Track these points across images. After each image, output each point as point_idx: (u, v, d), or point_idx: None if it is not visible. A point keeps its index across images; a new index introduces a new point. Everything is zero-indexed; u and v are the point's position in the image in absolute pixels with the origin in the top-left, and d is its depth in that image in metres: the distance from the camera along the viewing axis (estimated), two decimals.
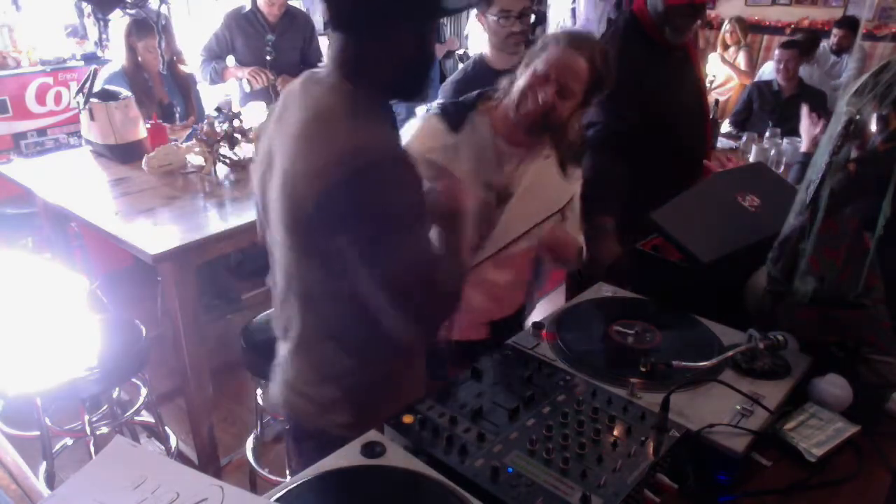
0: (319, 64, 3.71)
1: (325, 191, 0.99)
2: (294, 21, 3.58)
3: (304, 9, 4.44)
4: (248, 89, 3.46)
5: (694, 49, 2.24)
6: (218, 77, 3.50)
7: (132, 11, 2.62)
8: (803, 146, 2.05)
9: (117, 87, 2.95)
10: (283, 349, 1.30)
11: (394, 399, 1.13)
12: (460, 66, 2.59)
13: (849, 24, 5.14)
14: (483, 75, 1.99)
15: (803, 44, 4.31)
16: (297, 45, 3.61)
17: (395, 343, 1.12)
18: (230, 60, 3.55)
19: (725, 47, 5.30)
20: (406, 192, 1.03)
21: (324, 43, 4.28)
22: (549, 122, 1.46)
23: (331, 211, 1.00)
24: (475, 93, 1.60)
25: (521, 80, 1.48)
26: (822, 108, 3.59)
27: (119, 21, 3.01)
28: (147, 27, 2.95)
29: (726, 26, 5.30)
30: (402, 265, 1.03)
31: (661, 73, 2.01)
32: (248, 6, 3.45)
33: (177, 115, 3.39)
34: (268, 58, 3.43)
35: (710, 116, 2.73)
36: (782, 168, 2.97)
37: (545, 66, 1.43)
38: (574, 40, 1.44)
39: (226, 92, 3.89)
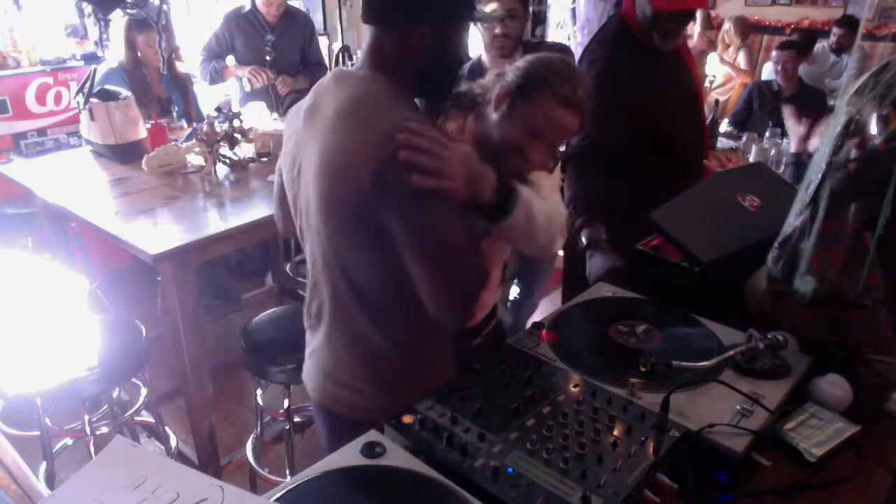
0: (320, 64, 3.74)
1: (378, 166, 1.02)
2: (293, 21, 3.58)
3: (304, 9, 4.44)
4: (248, 89, 3.46)
5: (687, 49, 2.19)
6: (218, 76, 3.50)
7: (132, 11, 2.62)
8: (792, 146, 2.03)
9: (115, 83, 2.96)
10: (314, 339, 1.30)
11: (425, 383, 1.12)
12: None
13: (849, 24, 5.13)
14: (478, 78, 1.98)
15: (800, 44, 4.30)
16: (297, 45, 3.62)
17: (427, 324, 1.14)
18: (230, 60, 3.55)
19: (725, 47, 5.30)
20: None
21: (323, 43, 4.28)
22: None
23: (384, 185, 1.02)
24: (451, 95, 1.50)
25: (507, 128, 1.26)
26: (822, 108, 3.59)
27: (119, 20, 3.01)
28: (147, 25, 2.95)
29: (726, 26, 5.30)
30: (448, 234, 1.09)
31: (651, 76, 1.95)
32: (248, 6, 3.46)
33: (174, 113, 3.39)
34: (267, 58, 3.43)
35: (710, 117, 2.71)
36: (782, 168, 2.97)
37: (533, 126, 1.24)
38: (564, 95, 1.22)
39: (226, 92, 3.89)
